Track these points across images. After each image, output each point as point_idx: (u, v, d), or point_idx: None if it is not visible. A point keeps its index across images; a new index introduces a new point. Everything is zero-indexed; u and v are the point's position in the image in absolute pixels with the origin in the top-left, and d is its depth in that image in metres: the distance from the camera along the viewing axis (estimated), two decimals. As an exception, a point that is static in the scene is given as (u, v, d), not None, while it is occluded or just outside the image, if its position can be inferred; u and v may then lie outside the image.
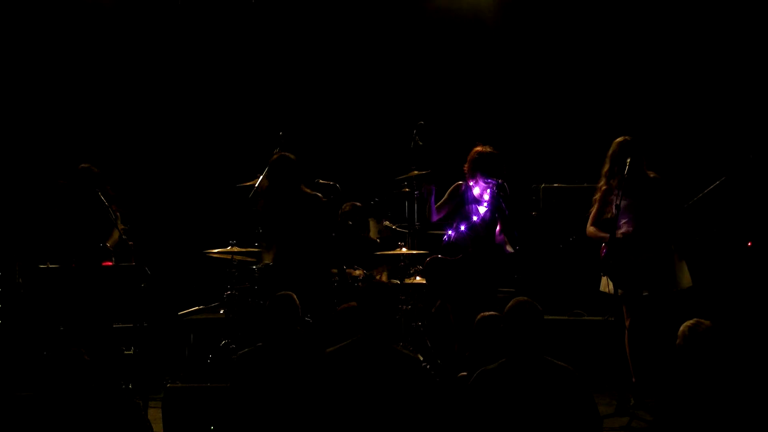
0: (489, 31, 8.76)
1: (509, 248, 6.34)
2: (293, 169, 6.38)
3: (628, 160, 6.14)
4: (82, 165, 6.74)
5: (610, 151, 6.20)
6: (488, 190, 6.30)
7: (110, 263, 6.42)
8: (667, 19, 8.35)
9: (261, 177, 6.72)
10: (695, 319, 4.55)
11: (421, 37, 8.82)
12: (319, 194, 6.58)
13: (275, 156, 6.46)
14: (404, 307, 6.87)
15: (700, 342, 4.43)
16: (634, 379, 6.10)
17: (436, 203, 6.48)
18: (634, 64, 8.48)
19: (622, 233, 6.12)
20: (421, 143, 7.24)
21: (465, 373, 5.04)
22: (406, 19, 8.80)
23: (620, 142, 6.17)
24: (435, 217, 6.48)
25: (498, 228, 6.33)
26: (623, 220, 6.14)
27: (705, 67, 8.27)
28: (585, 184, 7.97)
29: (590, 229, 6.30)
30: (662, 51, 8.39)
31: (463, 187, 6.42)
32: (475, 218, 6.31)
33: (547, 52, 8.71)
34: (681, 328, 4.55)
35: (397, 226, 7.73)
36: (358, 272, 6.95)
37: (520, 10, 8.70)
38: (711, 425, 4.27)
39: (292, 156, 6.46)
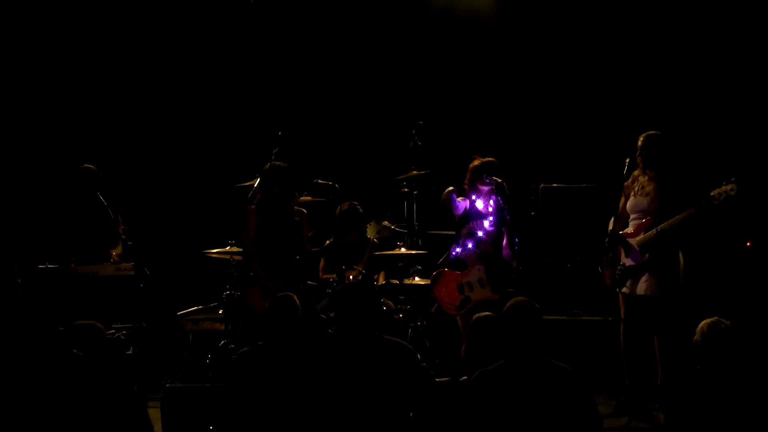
0: (488, 31, 8.76)
1: (515, 263, 6.31)
2: (285, 179, 6.32)
3: (627, 160, 6.15)
4: (85, 165, 6.74)
5: (637, 145, 6.15)
6: (491, 200, 6.26)
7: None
8: (668, 19, 8.34)
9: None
10: (716, 317, 4.55)
11: (421, 37, 8.82)
12: (304, 210, 6.54)
13: (268, 165, 6.40)
14: (404, 307, 6.87)
15: (719, 340, 4.43)
16: (627, 380, 6.10)
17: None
18: (634, 64, 8.48)
19: (625, 231, 6.13)
20: (420, 143, 7.25)
21: (466, 377, 5.05)
22: (406, 19, 8.80)
23: (644, 136, 6.12)
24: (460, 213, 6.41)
25: (505, 242, 6.32)
26: (634, 218, 6.13)
27: (706, 67, 8.26)
28: (584, 184, 7.98)
29: (610, 223, 6.29)
30: (663, 51, 8.39)
31: (468, 204, 6.38)
32: (480, 233, 6.29)
33: (547, 53, 8.71)
34: (700, 325, 4.55)
35: (396, 226, 7.74)
36: (354, 274, 6.97)
37: (520, 11, 8.70)
38: (726, 424, 4.27)
39: (284, 164, 6.40)
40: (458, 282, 6.26)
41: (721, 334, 4.43)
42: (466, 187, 6.41)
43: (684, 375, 5.49)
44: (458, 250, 6.34)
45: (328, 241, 7.19)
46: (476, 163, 6.34)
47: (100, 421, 4.45)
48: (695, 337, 4.52)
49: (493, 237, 6.24)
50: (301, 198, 7.26)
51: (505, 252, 6.31)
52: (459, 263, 6.32)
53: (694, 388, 4.40)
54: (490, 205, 6.29)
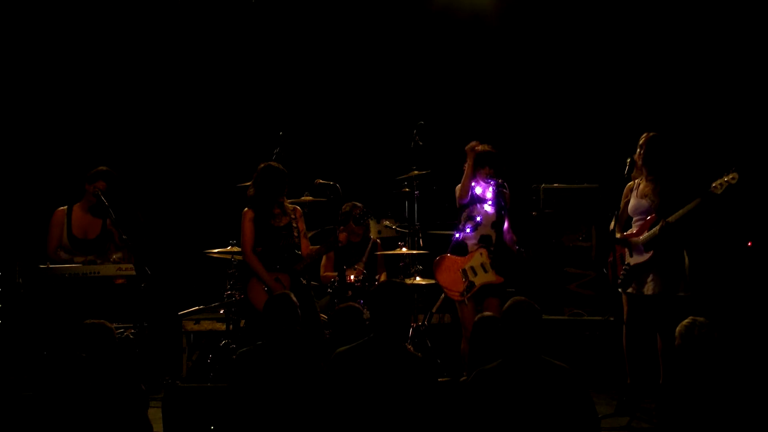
0: (489, 31, 8.76)
1: (516, 248, 6.34)
2: (277, 180, 6.32)
3: (629, 160, 6.15)
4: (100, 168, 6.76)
5: (637, 146, 6.16)
6: (490, 189, 6.31)
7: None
8: (669, 18, 8.34)
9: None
10: (691, 317, 4.56)
11: (422, 37, 8.82)
12: (298, 207, 6.54)
13: (262, 165, 6.41)
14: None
15: (698, 341, 4.44)
16: (629, 380, 6.10)
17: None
18: (634, 64, 8.48)
19: (628, 233, 6.13)
20: (421, 143, 7.25)
21: (465, 377, 5.04)
22: (407, 19, 8.80)
23: (645, 137, 6.12)
24: (467, 196, 6.39)
25: (506, 227, 6.34)
26: (637, 219, 6.13)
27: (706, 65, 8.26)
28: (585, 185, 7.98)
29: (612, 224, 6.29)
30: (663, 49, 8.39)
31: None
32: (478, 218, 6.31)
33: (548, 53, 8.71)
34: (678, 327, 4.56)
35: (398, 226, 7.74)
36: (354, 273, 6.98)
37: (521, 10, 8.70)
38: (711, 424, 4.28)
39: (277, 165, 6.40)
40: (461, 268, 6.28)
41: (698, 335, 4.44)
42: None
43: (672, 376, 5.51)
44: (458, 235, 6.38)
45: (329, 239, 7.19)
46: (474, 155, 6.37)
47: (105, 419, 4.47)
48: (675, 341, 4.54)
49: (493, 221, 6.27)
50: (302, 198, 7.27)
51: (507, 236, 6.34)
52: (460, 248, 6.35)
53: (681, 389, 4.41)
54: (489, 191, 6.31)
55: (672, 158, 6.09)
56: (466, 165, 6.36)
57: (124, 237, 6.41)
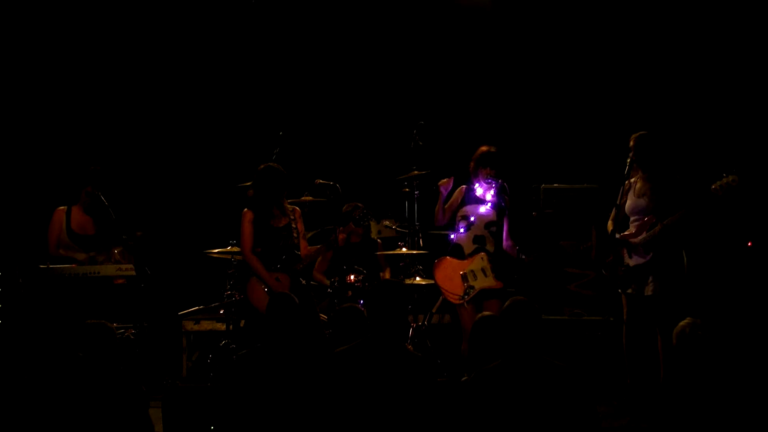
0: (490, 31, 8.76)
1: (517, 252, 6.33)
2: (276, 181, 6.33)
3: (629, 159, 6.15)
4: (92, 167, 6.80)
5: (629, 147, 6.16)
6: (491, 191, 6.31)
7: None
8: (670, 18, 8.33)
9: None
10: (689, 318, 4.57)
11: (422, 36, 8.82)
12: (297, 207, 6.55)
13: (261, 166, 6.42)
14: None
15: (696, 341, 4.45)
16: (629, 380, 6.11)
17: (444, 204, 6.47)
18: (635, 64, 8.47)
19: (626, 233, 6.13)
20: (421, 143, 7.26)
21: (466, 377, 5.05)
22: (406, 18, 8.80)
23: (635, 137, 6.12)
24: (443, 220, 6.46)
25: (505, 233, 6.34)
26: (634, 219, 6.13)
27: (707, 65, 8.25)
28: (585, 185, 7.98)
29: (609, 223, 6.30)
30: (664, 49, 8.38)
31: (465, 189, 6.42)
32: (472, 218, 6.32)
33: (548, 53, 8.70)
34: (676, 328, 4.57)
35: (398, 226, 7.74)
36: (353, 276, 6.98)
37: (521, 10, 8.70)
38: (710, 424, 4.28)
39: (277, 167, 6.41)
40: (462, 272, 6.28)
41: (697, 335, 4.45)
42: (471, 171, 6.45)
43: (670, 376, 5.51)
44: (453, 236, 6.40)
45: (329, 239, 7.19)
46: (479, 153, 6.40)
47: (105, 420, 4.47)
48: (673, 341, 4.55)
49: (488, 221, 6.27)
50: (302, 198, 7.27)
51: (506, 243, 6.34)
52: (457, 249, 6.35)
53: (677, 389, 4.42)
54: (489, 193, 6.32)
55: (666, 155, 6.08)
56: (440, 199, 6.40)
57: (123, 237, 6.42)
